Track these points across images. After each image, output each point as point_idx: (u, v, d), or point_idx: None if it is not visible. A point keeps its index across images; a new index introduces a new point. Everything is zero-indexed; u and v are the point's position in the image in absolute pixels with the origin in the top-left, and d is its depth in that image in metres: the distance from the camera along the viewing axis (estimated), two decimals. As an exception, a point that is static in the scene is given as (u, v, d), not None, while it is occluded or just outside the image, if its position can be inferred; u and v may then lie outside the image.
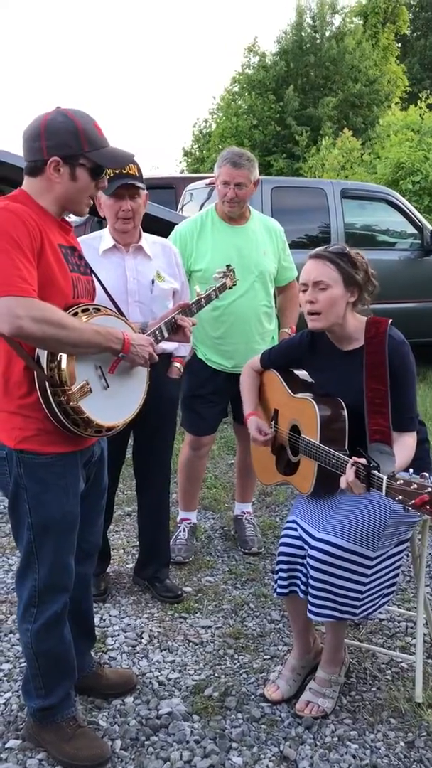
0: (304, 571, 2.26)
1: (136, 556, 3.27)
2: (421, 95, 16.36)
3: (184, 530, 3.46)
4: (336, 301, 2.25)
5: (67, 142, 1.86)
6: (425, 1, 28.57)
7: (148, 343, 1.98)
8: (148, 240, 2.84)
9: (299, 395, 2.41)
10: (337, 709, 2.35)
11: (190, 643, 2.72)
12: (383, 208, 6.79)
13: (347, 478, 2.01)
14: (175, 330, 2.36)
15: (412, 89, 23.88)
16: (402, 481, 1.84)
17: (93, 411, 1.90)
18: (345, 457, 2.10)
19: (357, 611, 2.24)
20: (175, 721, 2.27)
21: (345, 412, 2.26)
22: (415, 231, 6.76)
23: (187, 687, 2.46)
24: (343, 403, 2.27)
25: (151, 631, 2.79)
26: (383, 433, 2.12)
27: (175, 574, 3.21)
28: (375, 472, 1.93)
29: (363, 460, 1.98)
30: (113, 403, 1.99)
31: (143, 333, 2.19)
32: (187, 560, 3.34)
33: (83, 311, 1.93)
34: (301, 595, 2.28)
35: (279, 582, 2.32)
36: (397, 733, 2.26)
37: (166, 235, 3.32)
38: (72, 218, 2.26)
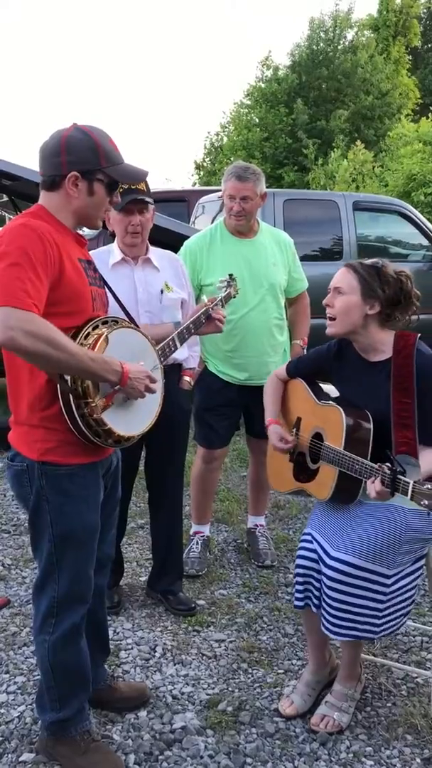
0: (318, 585, 2.25)
1: (149, 568, 3.26)
2: (432, 107, 16.38)
3: (197, 543, 3.46)
4: (350, 309, 2.28)
5: (86, 158, 1.90)
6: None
7: (145, 375, 1.98)
8: (155, 253, 2.88)
9: (326, 403, 2.43)
10: (352, 725, 2.33)
11: (204, 657, 2.71)
12: (395, 220, 6.79)
13: (375, 487, 2.05)
14: (206, 321, 2.55)
15: (423, 101, 23.94)
16: (428, 486, 1.87)
17: (114, 422, 1.93)
18: (369, 462, 2.12)
19: (378, 629, 2.21)
20: (188, 736, 2.26)
21: (371, 425, 2.27)
22: (427, 243, 6.76)
23: (200, 701, 2.45)
24: (369, 415, 2.28)
25: (164, 644, 2.79)
26: (409, 445, 2.14)
27: (189, 587, 3.20)
28: (401, 476, 1.96)
29: (387, 465, 2.02)
30: (132, 414, 2.02)
31: (177, 331, 2.30)
32: (200, 573, 3.33)
33: (103, 323, 1.95)
34: (314, 609, 2.27)
35: (296, 595, 2.32)
36: (413, 750, 2.24)
37: (178, 247, 3.35)
38: (85, 231, 2.30)
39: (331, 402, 2.41)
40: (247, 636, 2.85)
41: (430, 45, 29.21)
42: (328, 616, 2.21)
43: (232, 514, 4.06)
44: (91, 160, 1.91)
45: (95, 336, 1.89)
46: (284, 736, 2.29)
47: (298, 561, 2.31)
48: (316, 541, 2.29)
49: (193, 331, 2.50)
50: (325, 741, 2.26)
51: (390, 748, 2.25)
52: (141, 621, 2.95)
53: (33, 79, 60.15)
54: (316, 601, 2.26)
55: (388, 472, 2.02)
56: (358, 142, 17.35)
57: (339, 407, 2.31)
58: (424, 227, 6.74)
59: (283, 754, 2.21)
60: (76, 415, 1.86)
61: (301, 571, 2.29)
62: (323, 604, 2.22)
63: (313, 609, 2.28)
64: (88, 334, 1.90)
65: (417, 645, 2.81)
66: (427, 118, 16.09)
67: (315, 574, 2.26)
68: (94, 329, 1.91)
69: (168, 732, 2.29)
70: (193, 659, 2.69)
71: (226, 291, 2.79)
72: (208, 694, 2.48)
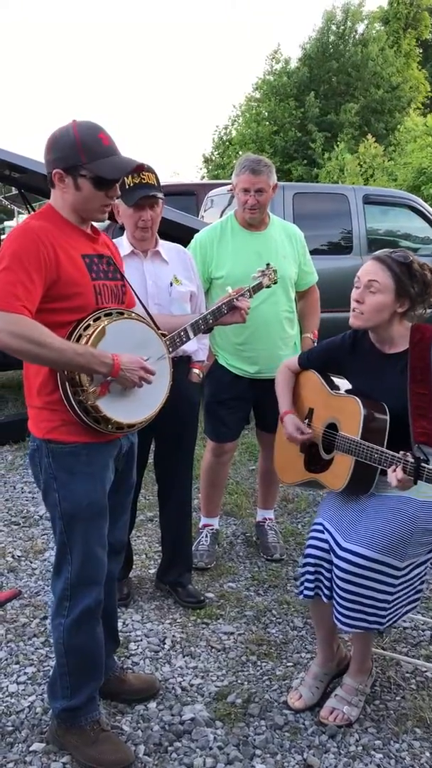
0: (329, 576, 2.25)
1: (158, 561, 3.27)
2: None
3: (206, 536, 3.46)
4: (383, 308, 2.28)
5: (67, 155, 1.94)
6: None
7: (139, 366, 2.01)
8: (164, 246, 2.88)
9: (341, 393, 2.43)
10: (361, 718, 2.33)
11: (213, 649, 2.71)
12: (406, 213, 6.76)
13: (396, 475, 2.06)
14: (230, 310, 2.54)
15: (433, 94, 23.81)
16: None
17: (110, 410, 1.98)
18: (390, 451, 2.13)
19: (383, 621, 2.22)
20: (198, 727, 2.27)
21: (387, 416, 2.28)
22: (437, 236, 6.74)
23: (209, 693, 2.46)
24: (385, 407, 2.29)
25: (173, 636, 2.79)
26: (428, 435, 2.15)
27: (197, 580, 3.21)
28: (425, 464, 1.99)
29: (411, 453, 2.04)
30: (133, 402, 2.06)
31: (191, 321, 2.36)
32: (209, 566, 3.34)
33: (106, 315, 2.00)
34: (325, 599, 2.27)
35: (306, 585, 2.30)
36: (423, 744, 2.24)
37: (188, 240, 3.34)
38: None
39: (345, 393, 2.42)
40: (255, 629, 2.86)
41: (440, 38, 28.97)
42: (339, 608, 2.21)
43: (241, 507, 4.06)
44: (71, 156, 1.93)
45: (94, 327, 1.95)
46: (293, 728, 2.30)
47: (309, 550, 2.30)
48: (327, 531, 2.28)
49: (210, 321, 2.49)
50: (334, 734, 2.26)
51: (399, 741, 2.25)
52: (150, 613, 2.96)
53: (41, 74, 60.11)
54: (327, 591, 2.26)
55: (411, 460, 2.03)
56: (369, 136, 17.26)
57: (356, 398, 2.31)
58: (434, 221, 6.71)
59: (292, 747, 2.21)
60: (73, 402, 1.96)
61: (311, 560, 2.28)
62: (335, 595, 2.22)
63: (324, 599, 2.27)
64: (88, 325, 1.96)
65: (426, 639, 2.81)
66: (437, 111, 16.01)
67: (326, 564, 2.25)
68: (95, 320, 1.97)
69: (177, 723, 2.29)
70: (202, 651, 2.70)
71: (258, 281, 2.77)
72: (217, 686, 2.49)
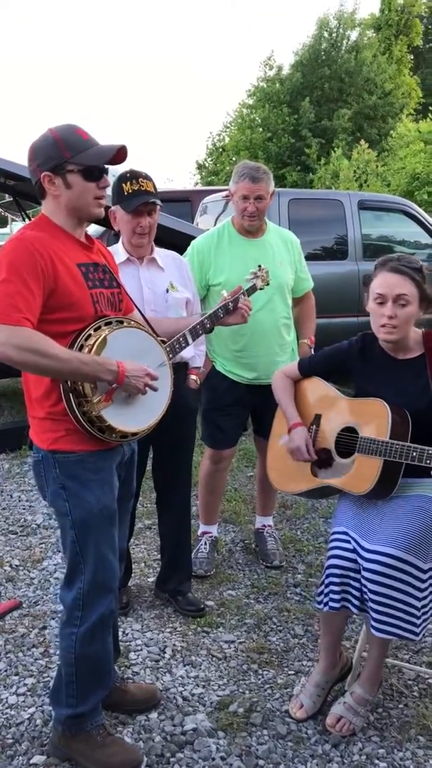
0: (357, 585, 2.21)
1: (157, 569, 3.25)
2: (433, 107, 16.37)
3: (205, 543, 3.45)
4: (412, 318, 2.31)
5: (50, 155, 1.95)
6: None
7: (144, 373, 2.02)
8: (159, 253, 2.88)
9: (363, 398, 2.41)
10: (364, 726, 2.32)
11: (214, 658, 2.69)
12: (400, 219, 6.77)
13: None
14: (231, 312, 2.57)
15: (425, 100, 23.92)
16: None
17: (116, 419, 1.99)
18: (431, 448, 2.15)
19: (418, 629, 2.15)
20: (200, 738, 2.25)
21: (409, 418, 2.29)
22: (432, 241, 6.76)
23: (211, 702, 2.44)
24: (405, 410, 2.30)
25: (174, 645, 2.77)
26: None
27: (197, 588, 3.19)
28: None
29: None
30: (136, 411, 2.06)
31: (189, 327, 2.37)
32: (208, 573, 3.32)
33: (107, 324, 2.00)
34: (355, 610, 2.23)
35: (331, 596, 2.23)
36: (426, 752, 2.22)
37: (182, 247, 3.33)
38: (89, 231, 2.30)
39: (366, 398, 2.41)
40: (256, 637, 2.84)
41: (431, 44, 29.17)
42: (374, 614, 2.15)
43: (239, 514, 4.05)
44: (54, 155, 1.94)
45: (95, 337, 1.96)
46: (296, 737, 2.28)
47: (333, 561, 2.24)
48: (352, 538, 2.25)
49: (208, 326, 2.49)
50: (338, 743, 2.24)
51: (402, 749, 2.23)
52: (150, 622, 2.94)
53: (34, 79, 60.16)
54: (356, 602, 2.21)
55: None
56: (362, 142, 17.32)
57: (382, 401, 2.31)
58: (429, 226, 6.73)
59: (295, 756, 2.20)
60: (78, 413, 1.95)
61: (337, 571, 2.22)
62: (369, 603, 2.17)
63: (354, 610, 2.22)
64: (89, 335, 1.97)
65: (428, 646, 2.79)
66: (429, 118, 16.07)
67: (352, 574, 2.21)
68: (96, 330, 1.98)
69: (179, 734, 2.27)
70: (203, 660, 2.68)
71: (251, 283, 2.77)
72: (218, 696, 2.47)
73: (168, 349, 2.25)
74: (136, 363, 2.01)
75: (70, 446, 2.01)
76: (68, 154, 1.94)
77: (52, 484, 2.05)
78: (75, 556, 2.06)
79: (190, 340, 2.38)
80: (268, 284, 2.89)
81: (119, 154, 2.00)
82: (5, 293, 1.83)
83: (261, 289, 2.85)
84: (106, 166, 2.01)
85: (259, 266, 2.86)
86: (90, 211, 2.03)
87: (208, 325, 2.50)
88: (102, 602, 2.08)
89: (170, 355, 2.24)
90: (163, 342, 2.22)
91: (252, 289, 2.78)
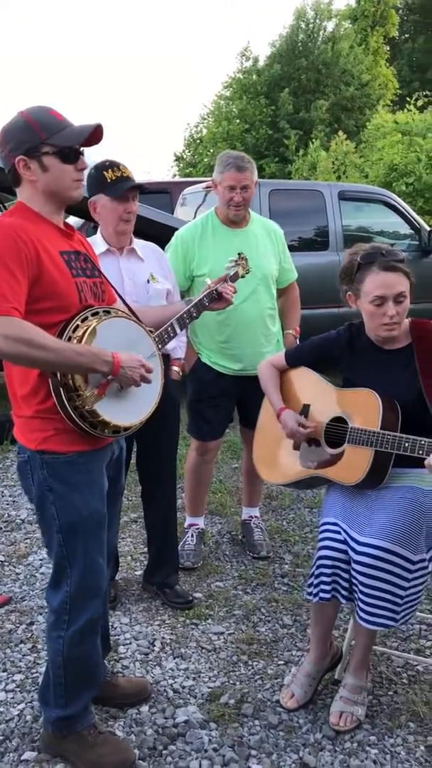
0: (346, 576, 2.21)
1: (144, 562, 3.24)
2: (410, 98, 16.41)
3: (192, 535, 3.44)
4: (407, 310, 2.32)
5: (23, 138, 1.86)
6: (413, 3, 28.74)
7: (139, 364, 1.95)
8: (138, 244, 2.87)
9: (353, 388, 2.41)
10: (355, 714, 2.33)
11: (203, 650, 2.69)
12: (380, 209, 6.79)
13: None
14: (216, 299, 2.54)
15: (401, 91, 23.99)
16: None
17: (109, 413, 1.92)
18: (424, 438, 2.16)
19: (398, 617, 2.17)
20: (192, 730, 2.25)
21: (399, 408, 2.30)
22: (412, 232, 6.78)
23: (202, 694, 2.43)
24: (394, 400, 2.30)
25: (163, 638, 2.76)
26: None
27: (185, 580, 3.18)
28: None
29: None
30: (129, 403, 2.00)
31: (176, 316, 2.33)
32: (196, 566, 3.31)
33: (93, 315, 1.93)
34: (343, 600, 2.24)
35: (322, 587, 2.24)
36: (417, 737, 2.24)
37: (162, 239, 3.31)
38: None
39: (355, 388, 2.41)
40: (245, 628, 2.84)
41: (407, 36, 29.26)
42: (363, 605, 2.16)
43: (225, 505, 4.04)
44: (28, 138, 1.86)
45: (83, 328, 1.88)
46: (288, 727, 2.28)
47: (324, 552, 2.24)
48: (343, 530, 2.25)
49: (194, 315, 2.47)
50: (329, 731, 2.25)
51: (394, 736, 2.25)
52: (138, 615, 2.93)
53: (33, 79, 59.51)
54: (345, 593, 2.22)
55: None
56: (341, 133, 17.33)
57: (372, 391, 2.31)
58: (408, 216, 6.75)
59: (287, 745, 2.20)
60: (69, 408, 1.86)
61: (328, 562, 2.22)
62: (358, 593, 2.17)
63: (342, 600, 2.24)
64: (77, 326, 1.89)
65: (416, 633, 2.82)
66: (404, 109, 16.09)
67: (342, 565, 2.21)
68: (83, 321, 1.90)
69: (171, 726, 2.27)
70: (193, 652, 2.67)
71: (233, 270, 2.74)
72: (209, 687, 2.47)
73: (157, 339, 2.23)
74: (130, 353, 1.95)
75: (60, 446, 1.93)
76: (44, 135, 1.85)
77: (39, 486, 1.97)
78: (62, 560, 2.00)
79: (177, 329, 2.35)
80: (248, 272, 2.86)
81: (95, 133, 1.92)
82: None
83: (242, 276, 2.83)
84: (82, 148, 1.93)
85: (239, 254, 2.84)
86: (69, 194, 1.95)
87: (194, 314, 2.48)
88: (90, 605, 2.02)
89: (159, 345, 2.21)
90: (151, 332, 2.19)
91: (235, 276, 2.75)
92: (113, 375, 1.89)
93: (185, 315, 2.45)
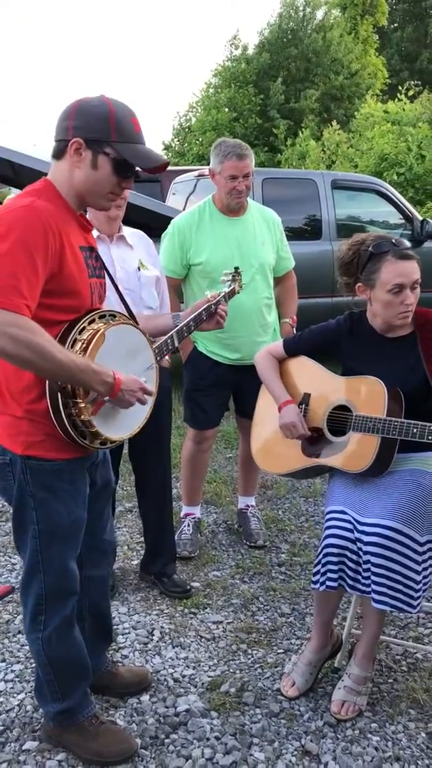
0: (352, 566, 2.21)
1: (141, 552, 3.23)
2: (401, 87, 16.39)
3: (188, 525, 3.43)
4: (418, 297, 2.33)
5: (95, 126, 1.74)
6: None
7: (138, 388, 1.87)
8: (126, 231, 2.85)
9: (358, 376, 2.39)
10: (355, 702, 2.33)
11: (203, 639, 2.69)
12: (373, 198, 6.79)
13: None
14: (209, 318, 2.45)
15: (391, 81, 23.96)
16: None
17: (102, 425, 1.84)
18: (430, 423, 2.17)
19: (415, 602, 2.16)
20: (193, 718, 2.24)
21: (402, 395, 2.30)
22: (404, 221, 6.77)
23: (202, 683, 2.43)
24: (396, 387, 2.31)
25: (162, 627, 2.76)
26: None
27: (182, 569, 3.17)
28: None
29: None
30: (122, 416, 1.92)
31: (176, 329, 2.28)
32: (193, 555, 3.31)
33: (100, 317, 1.85)
34: (348, 589, 2.23)
35: (329, 575, 2.23)
36: (417, 724, 2.25)
37: (159, 227, 3.28)
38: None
39: (360, 375, 2.40)
40: (244, 617, 2.84)
41: (396, 24, 29.20)
42: (375, 586, 2.15)
43: (221, 495, 4.04)
44: (99, 129, 1.73)
45: (91, 331, 1.79)
46: (289, 715, 2.28)
47: (331, 540, 2.23)
48: (350, 516, 2.24)
49: (193, 328, 2.40)
50: (330, 718, 2.25)
51: (395, 723, 2.26)
52: (136, 605, 2.92)
53: (33, 79, 58.84)
54: (350, 582, 2.22)
55: None
56: (334, 122, 17.27)
57: (377, 378, 2.31)
58: (401, 205, 6.75)
59: (289, 733, 2.20)
60: (63, 415, 1.76)
61: (335, 550, 2.21)
62: (372, 576, 2.16)
63: (347, 589, 2.23)
64: (84, 328, 1.79)
65: (414, 621, 2.83)
66: (394, 99, 16.08)
67: (349, 554, 2.21)
68: (90, 323, 1.81)
69: (172, 715, 2.26)
70: (192, 642, 2.67)
71: (230, 287, 2.68)
72: (209, 676, 2.47)
73: (156, 350, 2.18)
74: (132, 376, 1.86)
75: (48, 453, 1.82)
76: (114, 137, 1.73)
77: (20, 490, 1.86)
78: (35, 564, 1.92)
79: (176, 342, 2.31)
80: (242, 288, 2.80)
81: (161, 167, 1.81)
82: (9, 272, 1.60)
83: (238, 293, 2.76)
84: (139, 171, 1.81)
85: (236, 268, 2.77)
86: (96, 201, 1.84)
87: (192, 327, 2.43)
88: (64, 606, 1.97)
89: (158, 358, 2.16)
90: (153, 342, 2.11)
91: (231, 293, 2.69)
92: (110, 397, 1.80)
93: (184, 328, 2.39)
